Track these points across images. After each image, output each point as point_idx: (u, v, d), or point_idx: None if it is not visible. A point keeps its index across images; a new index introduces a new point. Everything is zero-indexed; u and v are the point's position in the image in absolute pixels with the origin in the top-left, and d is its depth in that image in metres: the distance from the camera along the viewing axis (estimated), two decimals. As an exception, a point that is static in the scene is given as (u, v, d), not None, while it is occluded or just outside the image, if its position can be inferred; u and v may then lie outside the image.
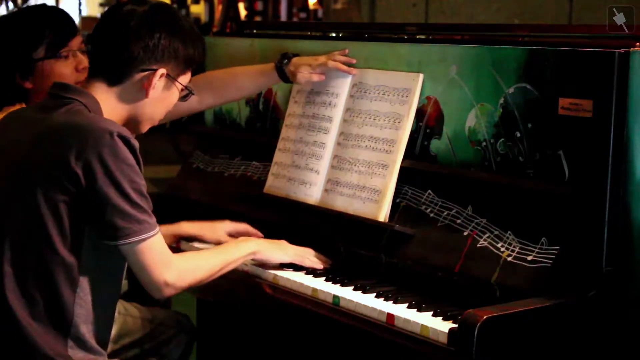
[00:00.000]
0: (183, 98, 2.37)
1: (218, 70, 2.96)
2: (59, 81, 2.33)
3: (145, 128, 2.34)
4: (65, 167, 2.07)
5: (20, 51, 2.77)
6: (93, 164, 2.07)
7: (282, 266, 2.59)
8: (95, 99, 2.22)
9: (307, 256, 2.56)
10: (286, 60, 2.78)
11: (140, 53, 2.22)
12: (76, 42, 2.82)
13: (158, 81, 2.25)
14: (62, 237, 2.11)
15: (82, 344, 2.16)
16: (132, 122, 2.29)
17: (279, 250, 2.53)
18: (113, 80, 2.24)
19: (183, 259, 2.25)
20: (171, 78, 2.27)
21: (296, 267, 2.57)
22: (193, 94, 2.40)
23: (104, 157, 2.07)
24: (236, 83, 2.88)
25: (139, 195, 2.12)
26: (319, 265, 2.54)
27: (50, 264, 2.11)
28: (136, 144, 2.13)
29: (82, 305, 2.15)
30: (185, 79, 2.33)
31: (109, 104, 2.24)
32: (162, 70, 2.24)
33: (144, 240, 2.12)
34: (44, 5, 2.93)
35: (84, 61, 2.81)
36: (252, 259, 2.50)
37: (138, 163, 2.14)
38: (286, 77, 2.79)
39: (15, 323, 2.11)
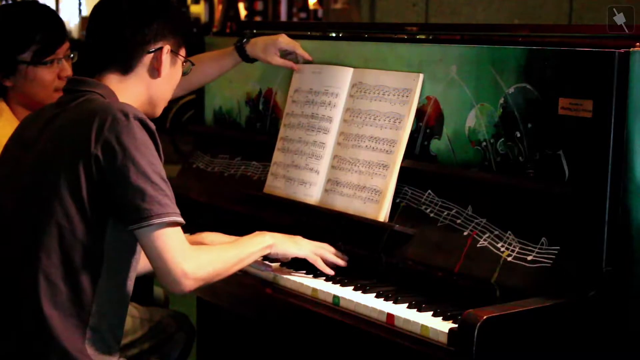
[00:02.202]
0: (185, 72, 2.43)
1: None
2: (73, 77, 2.37)
3: (159, 110, 2.39)
4: (86, 152, 2.09)
5: (5, 51, 2.76)
6: (112, 144, 2.08)
7: (283, 264, 2.59)
8: (111, 89, 2.26)
9: (323, 253, 2.49)
10: (245, 39, 2.89)
11: (145, 36, 2.28)
12: (63, 49, 2.80)
13: (165, 58, 2.31)
14: (87, 226, 2.11)
15: (99, 336, 2.17)
16: (149, 108, 2.34)
17: (294, 245, 2.47)
18: (126, 68, 2.29)
19: (200, 250, 2.22)
20: (174, 53, 2.34)
21: (296, 267, 2.57)
22: (193, 65, 2.46)
23: (122, 139, 2.08)
24: (200, 68, 2.92)
25: (159, 177, 2.11)
26: (328, 270, 2.47)
27: (73, 252, 2.12)
28: (153, 126, 2.15)
29: (102, 295, 2.15)
30: (183, 52, 2.39)
31: (126, 92, 2.28)
32: (167, 47, 2.31)
33: (165, 225, 2.09)
34: (37, 5, 2.89)
35: (67, 69, 2.80)
36: (268, 254, 2.43)
37: (156, 145, 2.15)
38: (246, 56, 2.89)
39: (40, 313, 2.11)
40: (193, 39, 2.48)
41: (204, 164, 3.22)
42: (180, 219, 2.13)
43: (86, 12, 16.54)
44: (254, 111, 3.15)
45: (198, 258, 2.16)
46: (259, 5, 15.01)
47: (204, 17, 16.39)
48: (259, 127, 3.13)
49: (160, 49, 2.30)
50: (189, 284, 2.12)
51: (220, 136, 3.27)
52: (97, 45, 2.32)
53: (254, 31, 3.39)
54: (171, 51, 2.33)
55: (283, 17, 14.43)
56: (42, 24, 2.79)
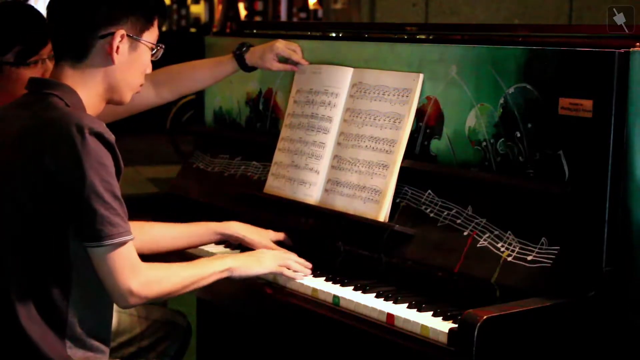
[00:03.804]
0: (156, 57, 2.33)
1: (176, 64, 2.96)
2: (34, 77, 2.31)
3: (127, 97, 2.29)
4: (41, 167, 2.06)
5: None
6: (67, 162, 2.05)
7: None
8: (72, 88, 2.20)
9: (289, 264, 2.49)
10: (245, 48, 2.87)
11: (93, 20, 2.19)
12: (47, 49, 2.74)
13: (121, 44, 2.21)
14: (48, 239, 2.10)
15: (80, 343, 2.17)
16: (113, 95, 2.26)
17: (256, 264, 2.43)
18: (78, 56, 2.21)
19: (152, 269, 2.19)
20: (133, 37, 2.24)
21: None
22: (162, 48, 2.34)
23: (76, 155, 2.04)
24: (193, 75, 2.91)
25: (112, 196, 2.08)
26: (299, 275, 2.47)
27: (39, 266, 2.11)
28: (111, 138, 2.10)
29: (76, 304, 2.15)
30: (150, 34, 2.28)
31: (84, 83, 2.21)
32: (120, 32, 2.21)
33: (115, 245, 2.09)
34: (20, 6, 2.84)
35: (51, 69, 2.76)
36: (230, 276, 2.39)
37: (115, 157, 2.11)
38: (245, 64, 2.87)
39: (18, 325, 2.11)
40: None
41: (204, 164, 3.22)
42: (130, 237, 2.12)
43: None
44: (254, 111, 3.15)
45: (148, 277, 2.16)
46: (259, 5, 15.00)
47: (204, 17, 16.39)
48: (259, 127, 3.13)
49: (112, 33, 2.20)
50: (134, 301, 2.15)
51: (220, 136, 3.26)
52: (50, 32, 2.27)
53: (254, 31, 3.40)
54: (128, 36, 2.22)
55: (283, 17, 14.43)
56: (25, 24, 2.75)
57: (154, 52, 2.31)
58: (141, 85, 2.33)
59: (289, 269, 2.48)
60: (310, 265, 2.52)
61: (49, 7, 2.27)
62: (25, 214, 2.10)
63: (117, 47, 2.21)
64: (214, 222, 2.69)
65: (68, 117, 2.10)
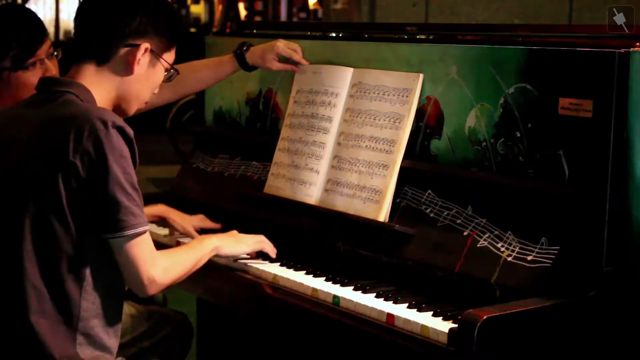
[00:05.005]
0: (168, 79, 2.39)
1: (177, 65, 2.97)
2: (45, 76, 2.33)
3: (132, 109, 2.35)
4: (64, 160, 2.09)
5: None
6: (91, 154, 2.08)
7: (283, 264, 2.60)
8: (85, 87, 2.24)
9: (263, 243, 2.61)
10: (245, 47, 2.89)
11: (124, 27, 2.25)
12: (44, 49, 2.73)
13: (142, 57, 2.27)
14: (66, 232, 2.12)
15: (91, 340, 2.18)
16: (121, 104, 2.31)
17: (238, 243, 2.56)
18: (101, 58, 2.26)
19: (165, 256, 2.26)
20: (155, 54, 2.30)
21: (296, 267, 2.57)
22: (178, 73, 2.41)
23: (100, 149, 2.08)
24: (194, 75, 2.94)
25: (133, 188, 2.14)
26: (273, 252, 2.61)
27: (56, 258, 2.12)
28: (131, 132, 2.14)
29: (89, 300, 2.16)
30: (169, 56, 2.35)
31: (99, 85, 2.26)
32: (146, 45, 2.27)
33: (138, 234, 2.14)
34: (10, 8, 2.82)
35: (52, 68, 2.73)
36: (217, 255, 2.50)
37: (133, 151, 2.15)
38: (246, 64, 2.90)
39: (27, 323, 2.12)
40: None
41: (204, 164, 3.22)
42: (148, 227, 2.18)
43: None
44: (254, 111, 3.15)
45: (164, 264, 2.22)
46: (259, 5, 15.01)
47: (204, 17, 16.40)
48: (259, 127, 3.13)
49: (138, 45, 2.26)
50: (154, 290, 2.21)
51: (220, 136, 3.27)
52: (78, 32, 2.30)
53: (254, 31, 3.40)
54: (151, 51, 2.28)
55: (283, 17, 14.43)
56: (17, 26, 2.72)
57: (166, 74, 2.37)
58: (146, 103, 2.39)
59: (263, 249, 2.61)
60: (274, 250, 2.63)
61: (81, 8, 2.31)
62: (42, 211, 2.11)
63: (139, 59, 2.26)
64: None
65: (90, 112, 2.14)
